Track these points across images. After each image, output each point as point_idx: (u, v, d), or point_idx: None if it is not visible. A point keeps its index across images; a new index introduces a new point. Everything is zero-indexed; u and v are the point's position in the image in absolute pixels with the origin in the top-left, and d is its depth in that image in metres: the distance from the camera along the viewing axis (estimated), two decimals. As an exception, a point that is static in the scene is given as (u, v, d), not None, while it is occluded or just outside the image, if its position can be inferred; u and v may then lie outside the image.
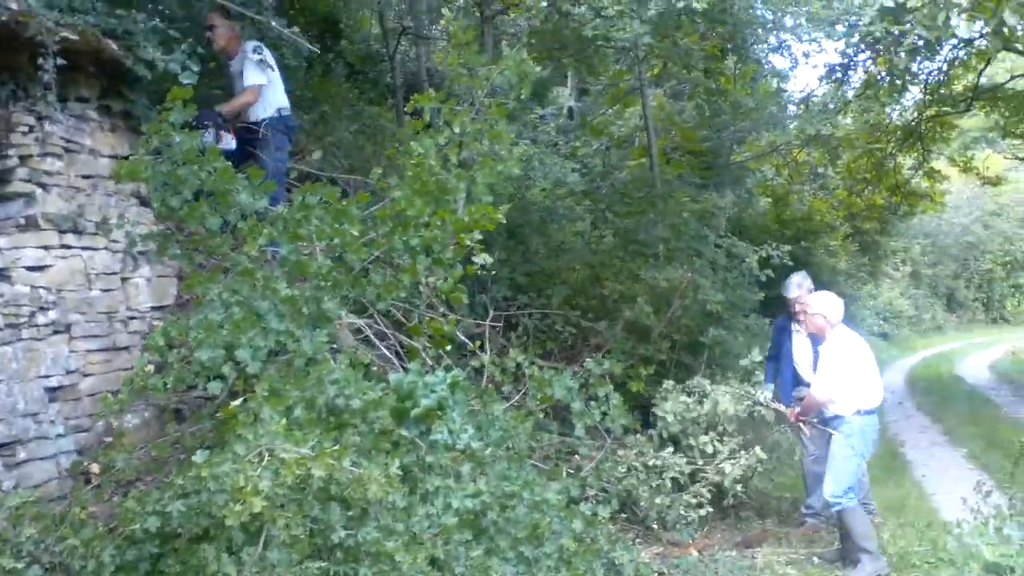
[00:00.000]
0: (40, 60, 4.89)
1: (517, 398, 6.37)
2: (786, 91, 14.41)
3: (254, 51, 6.80)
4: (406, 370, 5.22)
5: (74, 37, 5.12)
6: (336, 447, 3.81)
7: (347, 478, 3.59)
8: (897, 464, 9.95)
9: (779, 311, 8.36)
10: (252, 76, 6.87)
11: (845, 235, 19.91)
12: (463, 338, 6.35)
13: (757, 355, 8.82)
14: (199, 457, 3.73)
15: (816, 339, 7.23)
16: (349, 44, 12.16)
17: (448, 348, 5.85)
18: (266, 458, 3.52)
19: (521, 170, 7.33)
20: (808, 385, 7.29)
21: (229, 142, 6.94)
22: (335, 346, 5.52)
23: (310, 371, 4.54)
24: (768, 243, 9.94)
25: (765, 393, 7.72)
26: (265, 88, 6.91)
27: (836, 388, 6.49)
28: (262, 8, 6.40)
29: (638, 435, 7.54)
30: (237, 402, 4.27)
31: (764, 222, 18.60)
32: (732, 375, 8.44)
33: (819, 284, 18.07)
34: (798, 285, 7.68)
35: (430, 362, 6.01)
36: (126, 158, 5.97)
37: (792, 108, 15.40)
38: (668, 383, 8.11)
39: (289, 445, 3.67)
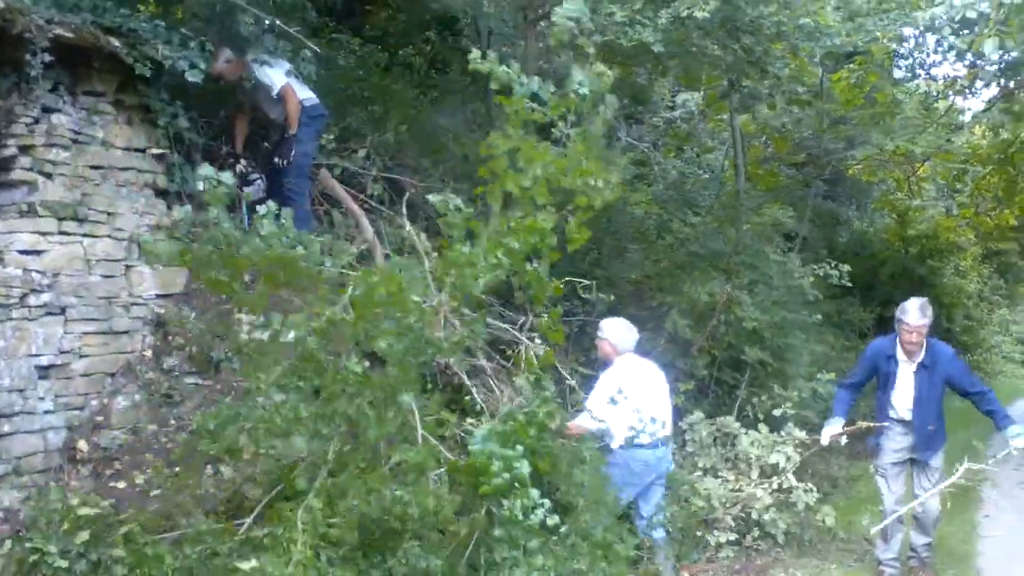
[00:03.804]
0: (28, 56, 5.14)
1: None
2: (904, 102, 13.69)
3: (255, 62, 7.00)
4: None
5: (68, 34, 5.38)
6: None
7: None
8: (965, 501, 9.34)
9: (880, 335, 7.88)
10: (276, 81, 7.07)
11: (976, 255, 18.86)
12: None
13: (821, 382, 8.58)
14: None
15: (925, 372, 6.70)
16: (445, 42, 12.27)
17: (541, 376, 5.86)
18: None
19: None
20: (904, 422, 6.80)
21: (260, 190, 7.36)
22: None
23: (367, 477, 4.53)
24: (827, 261, 9.42)
25: (824, 430, 7.05)
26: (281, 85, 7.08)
27: (604, 414, 6.12)
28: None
29: None
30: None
31: (886, 239, 17.87)
32: (770, 397, 8.15)
33: (944, 306, 17.39)
34: (923, 311, 6.60)
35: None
36: (141, 150, 6.30)
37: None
38: (697, 415, 7.93)
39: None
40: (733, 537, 7.15)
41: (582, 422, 6.16)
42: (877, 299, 17.24)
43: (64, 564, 4.10)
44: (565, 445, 5.52)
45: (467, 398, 6.34)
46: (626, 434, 6.17)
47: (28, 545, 4.21)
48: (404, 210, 7.68)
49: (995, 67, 9.73)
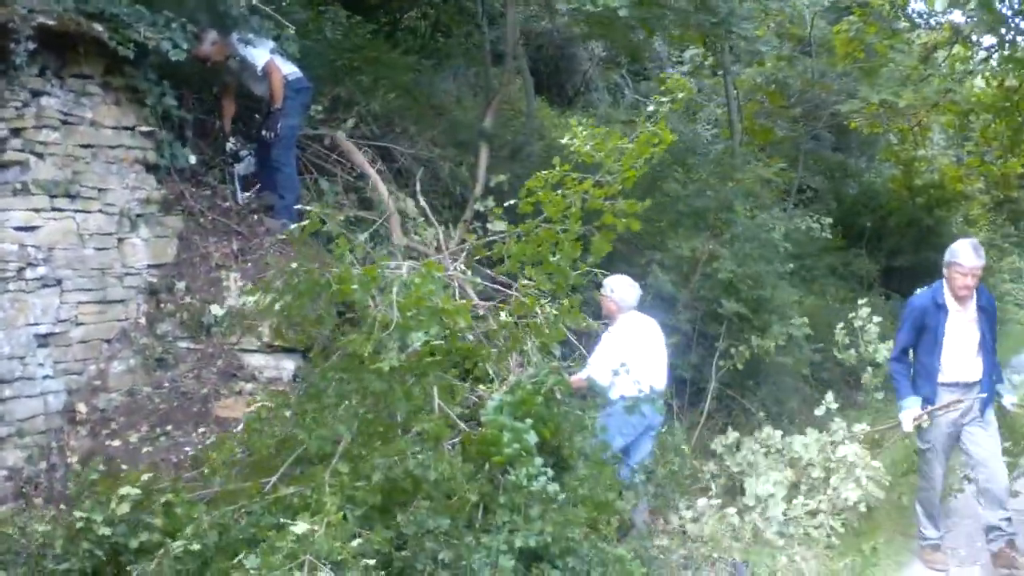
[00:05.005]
0: (12, 45, 5.47)
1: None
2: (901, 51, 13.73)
3: (240, 41, 7.25)
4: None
5: (51, 22, 5.69)
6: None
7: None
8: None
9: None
10: (260, 59, 7.31)
11: (985, 204, 18.83)
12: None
13: (795, 326, 8.72)
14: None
15: (984, 315, 6.35)
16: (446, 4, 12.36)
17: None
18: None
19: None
20: (957, 384, 6.30)
21: (251, 165, 7.72)
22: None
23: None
24: (811, 215, 9.62)
25: (903, 413, 6.50)
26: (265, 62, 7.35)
27: (605, 371, 6.34)
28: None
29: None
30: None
31: (893, 189, 17.91)
32: (748, 347, 8.36)
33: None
34: (977, 252, 6.16)
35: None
36: (130, 128, 6.62)
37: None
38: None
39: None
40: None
41: (581, 375, 6.51)
42: (885, 250, 17.39)
43: (108, 532, 4.46)
44: (568, 413, 5.79)
45: (479, 365, 6.56)
46: (624, 387, 6.35)
47: (77, 514, 4.57)
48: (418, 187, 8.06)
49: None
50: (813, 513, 6.91)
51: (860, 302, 8.32)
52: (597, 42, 14.48)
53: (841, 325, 8.34)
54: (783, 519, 6.80)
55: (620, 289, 6.81)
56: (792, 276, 10.09)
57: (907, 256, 17.20)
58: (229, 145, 7.67)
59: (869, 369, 8.38)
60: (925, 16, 13.97)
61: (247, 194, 7.63)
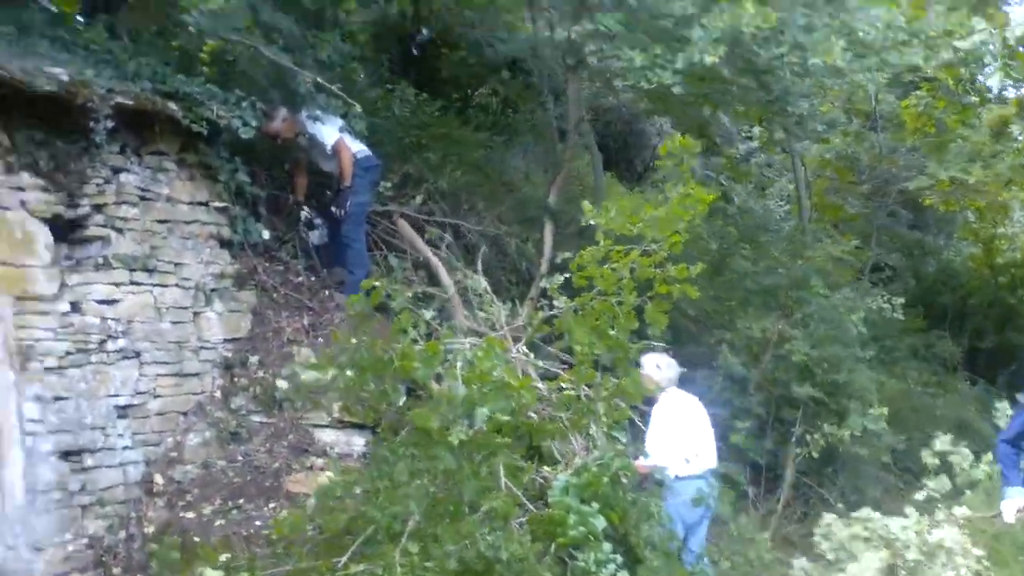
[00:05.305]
0: (91, 124, 5.68)
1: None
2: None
3: (309, 119, 7.44)
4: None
5: (128, 102, 5.91)
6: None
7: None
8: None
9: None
10: (329, 137, 7.50)
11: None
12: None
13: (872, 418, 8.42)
14: None
15: None
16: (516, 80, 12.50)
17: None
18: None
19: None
20: None
21: (325, 235, 7.86)
22: None
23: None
24: (883, 295, 9.40)
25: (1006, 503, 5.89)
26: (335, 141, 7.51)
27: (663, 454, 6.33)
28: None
29: None
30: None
31: (973, 268, 17.51)
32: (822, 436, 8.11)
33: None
34: None
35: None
36: (205, 204, 6.79)
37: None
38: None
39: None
40: None
41: (646, 461, 6.41)
42: (967, 331, 16.89)
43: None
44: (635, 499, 5.76)
45: (544, 444, 6.42)
46: (680, 467, 6.37)
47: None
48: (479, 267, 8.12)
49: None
50: None
51: (938, 439, 7.80)
52: (663, 117, 14.54)
53: (926, 450, 7.90)
54: None
55: (656, 367, 6.68)
56: (871, 360, 9.76)
57: (991, 337, 16.61)
58: (304, 214, 7.79)
59: (967, 492, 7.94)
60: (995, 90, 13.78)
61: (324, 269, 7.74)
